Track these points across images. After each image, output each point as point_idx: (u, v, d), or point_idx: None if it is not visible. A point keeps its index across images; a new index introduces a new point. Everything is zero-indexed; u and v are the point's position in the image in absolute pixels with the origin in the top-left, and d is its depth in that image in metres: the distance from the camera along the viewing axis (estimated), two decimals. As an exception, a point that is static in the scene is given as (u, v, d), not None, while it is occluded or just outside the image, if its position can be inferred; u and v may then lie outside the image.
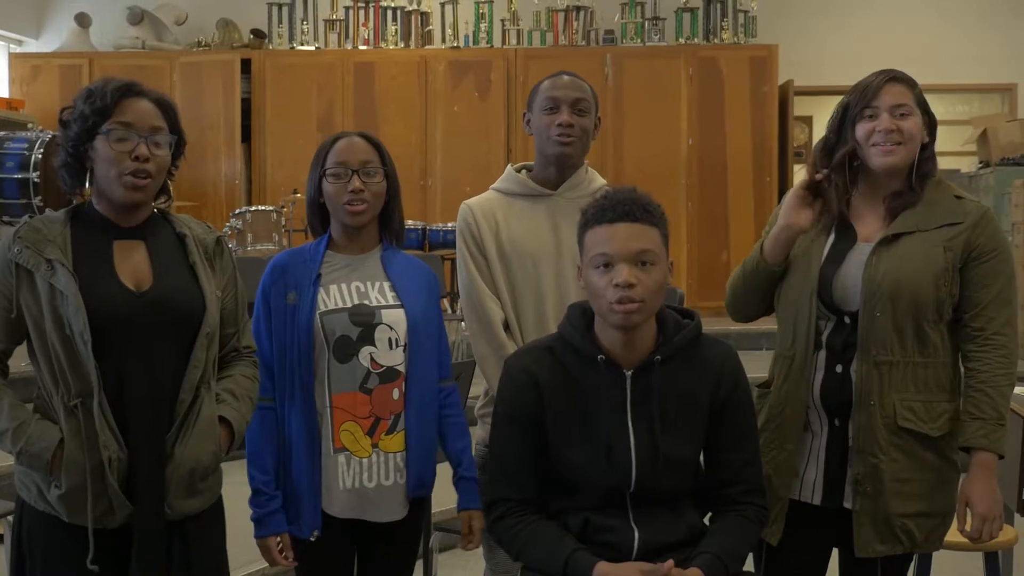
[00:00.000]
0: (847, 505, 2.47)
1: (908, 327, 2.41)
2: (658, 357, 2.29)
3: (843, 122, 2.51)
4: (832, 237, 2.51)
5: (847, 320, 2.46)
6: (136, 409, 2.13)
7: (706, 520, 2.42)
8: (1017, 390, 3.55)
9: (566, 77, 2.78)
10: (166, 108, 2.24)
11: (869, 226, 2.50)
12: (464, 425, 2.65)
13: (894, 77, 2.48)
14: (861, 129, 2.46)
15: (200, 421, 2.20)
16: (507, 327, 2.74)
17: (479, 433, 2.79)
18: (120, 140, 2.15)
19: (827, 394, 2.48)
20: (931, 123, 2.51)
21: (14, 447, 2.11)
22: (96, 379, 2.09)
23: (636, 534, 2.29)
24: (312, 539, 2.45)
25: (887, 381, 2.41)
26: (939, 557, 3.24)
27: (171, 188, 2.33)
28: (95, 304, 2.10)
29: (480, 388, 2.88)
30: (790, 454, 2.51)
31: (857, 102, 2.47)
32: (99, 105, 2.15)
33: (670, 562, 2.17)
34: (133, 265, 2.20)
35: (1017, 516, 3.42)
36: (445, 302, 7.72)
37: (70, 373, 2.09)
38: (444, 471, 2.64)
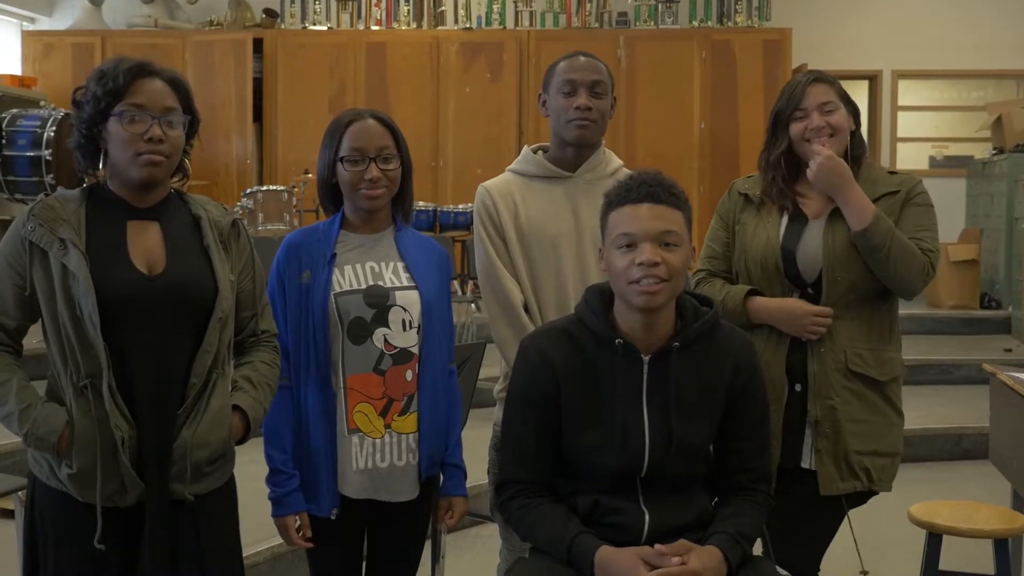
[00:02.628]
0: (804, 465, 2.69)
1: (862, 286, 2.66)
2: (677, 343, 2.29)
3: (776, 126, 2.76)
4: (785, 218, 2.75)
5: (811, 291, 2.69)
6: (144, 391, 2.13)
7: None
8: (1021, 375, 3.57)
9: (583, 58, 2.76)
10: (179, 87, 2.22)
11: (814, 206, 2.73)
12: (458, 410, 2.65)
13: (817, 78, 2.73)
14: (794, 129, 2.72)
15: (211, 407, 2.19)
16: (526, 309, 2.74)
17: (496, 414, 2.79)
18: (133, 122, 2.13)
19: (792, 356, 2.69)
20: (854, 111, 2.76)
21: (20, 429, 2.10)
22: (105, 360, 2.08)
23: (646, 517, 2.29)
24: (332, 517, 2.47)
25: (838, 331, 2.66)
26: (948, 544, 3.24)
27: (188, 165, 2.32)
28: (105, 286, 2.09)
29: (495, 370, 2.88)
30: (774, 412, 2.64)
31: (786, 105, 2.73)
32: (111, 87, 2.14)
33: (676, 559, 2.15)
34: (146, 247, 2.19)
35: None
36: (455, 284, 7.72)
37: (80, 353, 2.09)
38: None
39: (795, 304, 2.67)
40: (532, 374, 2.34)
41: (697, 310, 2.35)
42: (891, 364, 2.73)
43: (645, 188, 2.25)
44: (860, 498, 2.73)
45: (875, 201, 2.66)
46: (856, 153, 2.75)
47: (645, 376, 2.30)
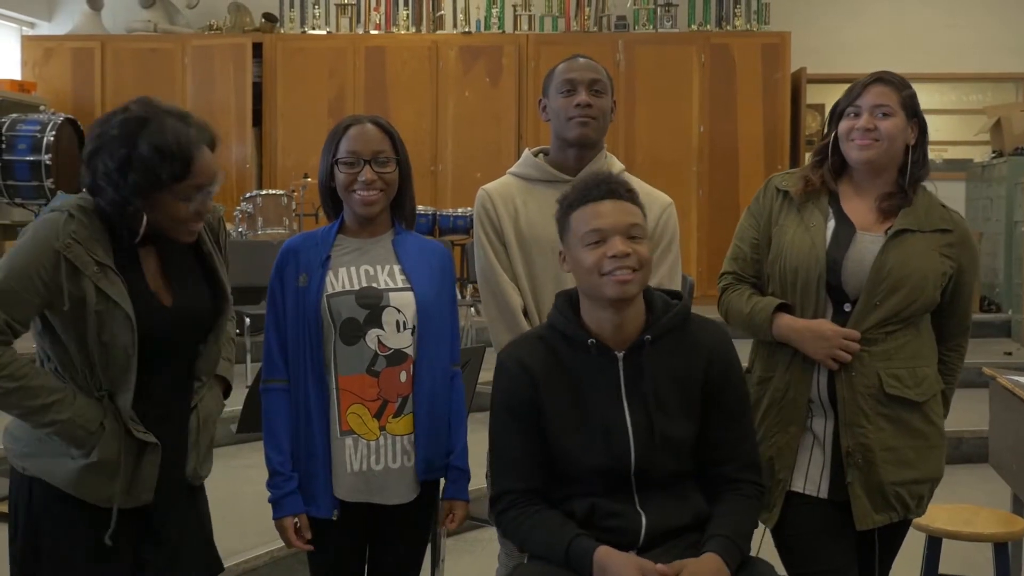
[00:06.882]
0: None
1: (898, 317, 2.51)
2: (648, 337, 2.31)
3: (832, 119, 2.63)
4: (832, 223, 2.57)
5: (847, 309, 2.52)
6: (160, 400, 2.22)
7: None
8: (1020, 378, 3.57)
9: (581, 60, 2.77)
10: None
11: (861, 216, 2.58)
12: (462, 413, 2.65)
13: (881, 78, 2.57)
14: (843, 126, 2.57)
15: (213, 392, 2.36)
16: (525, 313, 2.73)
17: None
18: (187, 200, 2.17)
19: (831, 384, 2.53)
20: (920, 125, 2.59)
21: (60, 415, 2.10)
22: (132, 382, 2.13)
23: (643, 519, 2.30)
24: (334, 518, 2.47)
25: (869, 352, 2.50)
26: (948, 547, 3.23)
27: None
28: (139, 321, 2.13)
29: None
30: (792, 436, 2.55)
31: (844, 100, 2.59)
32: (178, 171, 2.13)
33: None
34: (151, 272, 2.24)
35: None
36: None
37: (102, 371, 2.14)
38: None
39: (825, 325, 2.50)
40: (512, 383, 2.36)
41: (667, 303, 2.37)
42: (929, 381, 2.56)
43: (604, 186, 2.31)
44: (896, 530, 2.62)
45: (930, 232, 2.53)
46: (916, 174, 2.56)
47: (621, 373, 2.32)
